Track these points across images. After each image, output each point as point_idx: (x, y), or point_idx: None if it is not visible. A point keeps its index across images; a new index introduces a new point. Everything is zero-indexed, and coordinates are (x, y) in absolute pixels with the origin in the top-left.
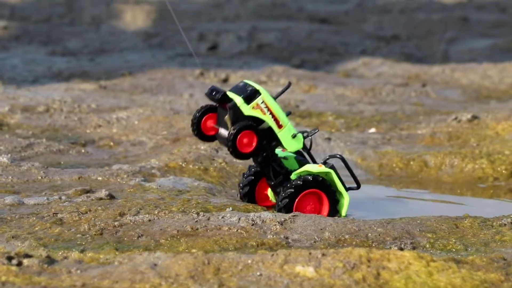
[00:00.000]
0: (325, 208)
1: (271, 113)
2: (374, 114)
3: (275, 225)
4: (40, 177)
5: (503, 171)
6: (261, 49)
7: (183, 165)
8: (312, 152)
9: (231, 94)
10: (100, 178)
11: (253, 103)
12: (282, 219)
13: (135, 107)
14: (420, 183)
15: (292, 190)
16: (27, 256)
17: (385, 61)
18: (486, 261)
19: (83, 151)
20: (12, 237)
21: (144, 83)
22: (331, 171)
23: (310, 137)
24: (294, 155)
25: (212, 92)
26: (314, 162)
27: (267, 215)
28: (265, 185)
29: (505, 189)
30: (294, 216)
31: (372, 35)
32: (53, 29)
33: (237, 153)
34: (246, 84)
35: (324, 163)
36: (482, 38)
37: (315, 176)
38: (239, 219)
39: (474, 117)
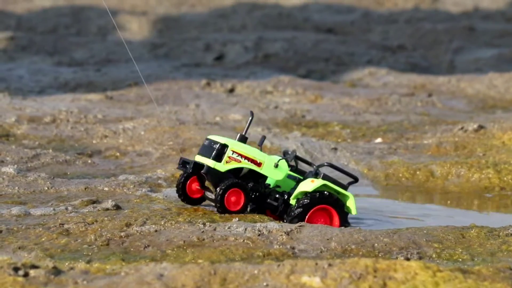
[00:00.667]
0: (336, 222)
1: (245, 158)
2: (380, 124)
3: (282, 235)
4: (46, 188)
5: (510, 181)
6: (267, 59)
7: None
8: (318, 163)
9: (200, 159)
10: (106, 189)
11: (225, 158)
12: (289, 229)
13: (141, 118)
14: (427, 192)
15: (301, 209)
16: (34, 267)
17: (391, 71)
18: (492, 271)
19: (89, 161)
20: (19, 248)
21: (150, 93)
22: (325, 182)
23: (292, 158)
24: (286, 176)
25: (184, 165)
26: (304, 175)
27: (273, 225)
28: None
29: None
30: (300, 226)
31: (378, 45)
32: (59, 39)
33: (226, 212)
34: (211, 142)
35: (316, 174)
36: (488, 48)
37: (321, 191)
38: (246, 229)
39: (480, 127)
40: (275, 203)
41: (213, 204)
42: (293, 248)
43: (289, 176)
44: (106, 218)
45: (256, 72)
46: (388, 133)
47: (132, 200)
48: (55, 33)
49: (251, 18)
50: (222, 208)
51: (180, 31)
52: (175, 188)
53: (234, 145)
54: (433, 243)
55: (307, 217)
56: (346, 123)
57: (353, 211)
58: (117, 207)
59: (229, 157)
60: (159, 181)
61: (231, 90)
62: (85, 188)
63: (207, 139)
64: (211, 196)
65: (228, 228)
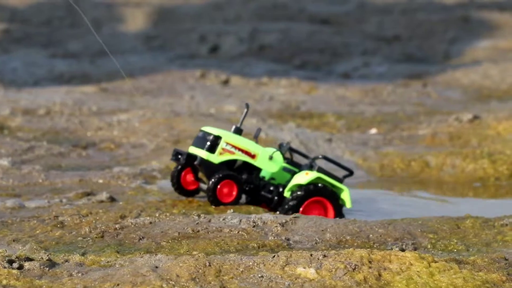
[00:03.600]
0: (330, 215)
1: (239, 149)
2: (375, 115)
3: (276, 226)
4: (41, 180)
5: (505, 171)
6: (262, 50)
7: None
8: (313, 154)
9: (194, 150)
10: (101, 181)
11: (219, 149)
12: (283, 221)
13: (136, 110)
14: (422, 183)
15: (295, 202)
16: (28, 259)
17: (386, 62)
18: (487, 262)
19: (84, 153)
20: (13, 241)
21: (144, 85)
22: (320, 175)
23: (286, 150)
24: (281, 168)
25: (177, 156)
26: (300, 168)
27: (268, 216)
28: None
29: (507, 189)
30: (295, 217)
31: (373, 36)
32: (54, 31)
33: (219, 204)
34: (205, 134)
35: (310, 167)
36: (483, 38)
37: (315, 184)
38: (240, 221)
39: (475, 117)
40: (269, 195)
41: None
42: (288, 239)
43: (284, 169)
44: (100, 210)
45: (250, 63)
46: (383, 124)
47: (126, 192)
48: (49, 25)
49: (246, 9)
50: (215, 200)
51: (175, 23)
52: (170, 180)
53: (228, 136)
54: (428, 233)
55: (301, 209)
56: (341, 114)
57: (348, 204)
58: (112, 199)
59: (222, 148)
60: (154, 173)
61: (226, 82)
62: (80, 180)
63: (201, 130)
64: (205, 187)
65: (223, 219)
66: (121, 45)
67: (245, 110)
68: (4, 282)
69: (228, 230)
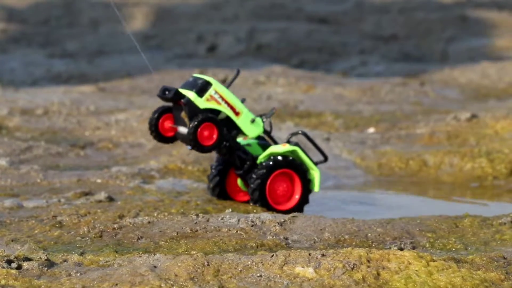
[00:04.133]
0: (298, 188)
1: (226, 102)
2: (373, 114)
3: (275, 226)
4: (39, 180)
5: (503, 170)
6: (260, 50)
7: (182, 166)
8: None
9: (183, 91)
10: (99, 181)
11: (207, 95)
12: (282, 220)
13: (134, 109)
14: (420, 182)
15: (264, 171)
16: (27, 259)
17: (384, 61)
18: (486, 260)
19: (82, 153)
20: (12, 241)
21: (142, 84)
22: (297, 148)
23: (268, 118)
24: (257, 141)
25: (164, 92)
26: (276, 144)
27: (266, 216)
28: (234, 176)
29: (505, 188)
30: (293, 217)
31: (370, 35)
32: (51, 31)
33: (199, 147)
34: (196, 78)
35: (288, 142)
36: (480, 37)
37: (285, 156)
38: (239, 220)
39: (473, 116)
40: (244, 157)
41: (185, 143)
42: (286, 238)
43: (260, 141)
44: (99, 210)
45: (248, 62)
46: (380, 123)
47: (125, 191)
48: (47, 25)
49: (244, 8)
50: (195, 142)
51: (173, 22)
52: (148, 128)
53: (218, 85)
54: (427, 232)
55: (269, 179)
56: (339, 113)
57: (316, 188)
58: (110, 199)
59: (210, 95)
60: (152, 173)
61: (224, 81)
62: (78, 180)
63: (192, 76)
64: (184, 131)
65: (221, 219)
66: (119, 45)
67: (235, 74)
68: (3, 282)
69: (226, 229)
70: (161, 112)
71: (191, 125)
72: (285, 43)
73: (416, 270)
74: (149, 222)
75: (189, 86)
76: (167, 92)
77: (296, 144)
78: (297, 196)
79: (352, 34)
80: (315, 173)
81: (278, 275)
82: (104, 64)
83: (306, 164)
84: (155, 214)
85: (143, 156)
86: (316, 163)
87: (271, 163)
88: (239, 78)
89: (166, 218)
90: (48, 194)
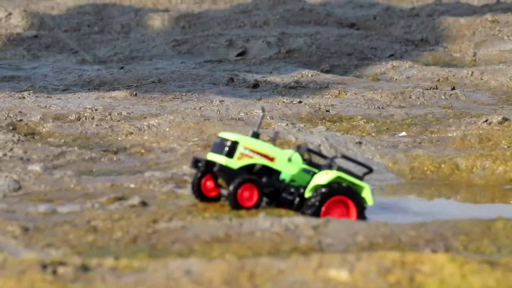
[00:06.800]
0: (353, 211)
1: (258, 153)
2: (404, 118)
3: (308, 229)
4: (72, 185)
5: None
6: (290, 55)
7: None
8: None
9: (213, 157)
10: (132, 185)
11: (237, 155)
12: (315, 224)
13: (166, 114)
14: (452, 185)
15: (317, 200)
16: (62, 264)
17: (414, 65)
18: None
19: (115, 158)
20: (46, 245)
21: (174, 89)
22: (339, 173)
23: (305, 151)
24: (301, 170)
25: (196, 164)
26: (319, 168)
27: (299, 220)
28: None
29: None
30: (326, 220)
31: (400, 39)
32: (83, 37)
33: (241, 208)
34: (222, 140)
35: (329, 167)
36: (511, 40)
37: (330, 184)
38: (272, 224)
39: (505, 119)
40: (291, 197)
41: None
42: (320, 242)
43: (303, 170)
44: (132, 215)
45: (279, 67)
46: (412, 127)
47: (158, 196)
48: (78, 31)
49: (273, 14)
50: (236, 205)
51: (203, 28)
52: (191, 188)
53: (245, 141)
54: (460, 235)
55: (323, 209)
56: (370, 117)
57: (370, 201)
58: (144, 204)
59: (241, 153)
60: (185, 177)
61: (255, 86)
62: (111, 185)
63: (219, 137)
64: (226, 193)
65: (255, 223)
66: (149, 51)
67: (261, 114)
68: (39, 286)
69: (260, 233)
70: (203, 174)
71: (230, 189)
72: (315, 48)
73: (450, 273)
74: (182, 227)
75: (217, 150)
76: (199, 164)
77: (339, 168)
78: (353, 217)
79: (382, 38)
80: (365, 190)
81: (312, 279)
82: (135, 69)
83: (355, 184)
84: (189, 219)
85: (176, 161)
86: (362, 177)
87: (322, 192)
88: (269, 82)
89: (199, 222)
90: (82, 199)
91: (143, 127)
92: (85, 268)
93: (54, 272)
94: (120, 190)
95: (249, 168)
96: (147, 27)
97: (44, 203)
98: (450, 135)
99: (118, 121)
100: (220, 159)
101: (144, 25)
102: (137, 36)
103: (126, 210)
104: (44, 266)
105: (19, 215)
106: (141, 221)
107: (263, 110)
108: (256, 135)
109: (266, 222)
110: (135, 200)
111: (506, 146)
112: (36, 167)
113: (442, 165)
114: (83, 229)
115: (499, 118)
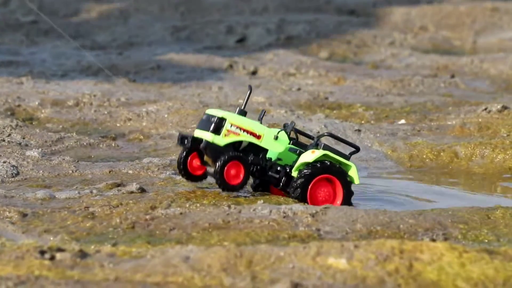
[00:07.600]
0: (339, 189)
1: (244, 130)
2: (403, 105)
3: (307, 217)
4: (71, 171)
5: None
6: (290, 41)
7: None
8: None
9: (199, 133)
10: (130, 172)
11: (224, 131)
12: (314, 211)
13: (164, 100)
14: (451, 174)
15: (303, 179)
16: (60, 250)
17: (414, 53)
18: None
19: (113, 144)
20: (44, 231)
21: (173, 76)
22: (326, 152)
23: (291, 129)
24: (287, 149)
25: (183, 141)
26: (306, 148)
27: (298, 207)
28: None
29: None
30: (325, 208)
31: (400, 27)
32: (81, 23)
33: (228, 188)
34: (209, 116)
35: (316, 145)
36: (511, 28)
37: (315, 162)
38: (271, 211)
39: (504, 108)
40: (277, 176)
41: (215, 180)
42: (319, 230)
43: (290, 149)
44: (131, 201)
45: (278, 54)
46: (411, 114)
47: (156, 183)
48: (77, 17)
49: (273, 0)
50: (222, 182)
51: (202, 14)
52: (176, 166)
53: (232, 117)
54: (459, 224)
55: (309, 187)
56: (369, 104)
57: (356, 181)
58: (142, 190)
59: (227, 130)
60: None
61: (254, 73)
62: (110, 171)
63: (205, 113)
64: (212, 171)
65: (253, 210)
66: (148, 36)
67: (248, 92)
68: (37, 272)
69: (258, 220)
70: (189, 151)
71: (217, 166)
72: (315, 35)
73: (448, 261)
74: (181, 213)
75: (204, 126)
76: (185, 141)
77: (325, 147)
78: (338, 202)
79: (381, 26)
80: (352, 169)
81: (311, 266)
82: (134, 55)
83: (341, 163)
84: (187, 205)
85: (174, 147)
86: (349, 157)
87: (308, 171)
88: (268, 69)
89: (198, 209)
90: (80, 185)
91: (142, 113)
92: (83, 255)
93: (52, 258)
94: (118, 176)
95: (235, 145)
96: (146, 13)
97: (42, 189)
98: (449, 123)
99: (117, 107)
100: (207, 135)
101: (143, 11)
102: (135, 22)
103: (124, 196)
104: (42, 252)
105: (17, 201)
106: (140, 207)
107: (250, 88)
108: (242, 113)
109: (264, 210)
110: (134, 186)
111: (505, 135)
112: (34, 153)
113: (441, 153)
114: (81, 215)
115: (499, 107)
